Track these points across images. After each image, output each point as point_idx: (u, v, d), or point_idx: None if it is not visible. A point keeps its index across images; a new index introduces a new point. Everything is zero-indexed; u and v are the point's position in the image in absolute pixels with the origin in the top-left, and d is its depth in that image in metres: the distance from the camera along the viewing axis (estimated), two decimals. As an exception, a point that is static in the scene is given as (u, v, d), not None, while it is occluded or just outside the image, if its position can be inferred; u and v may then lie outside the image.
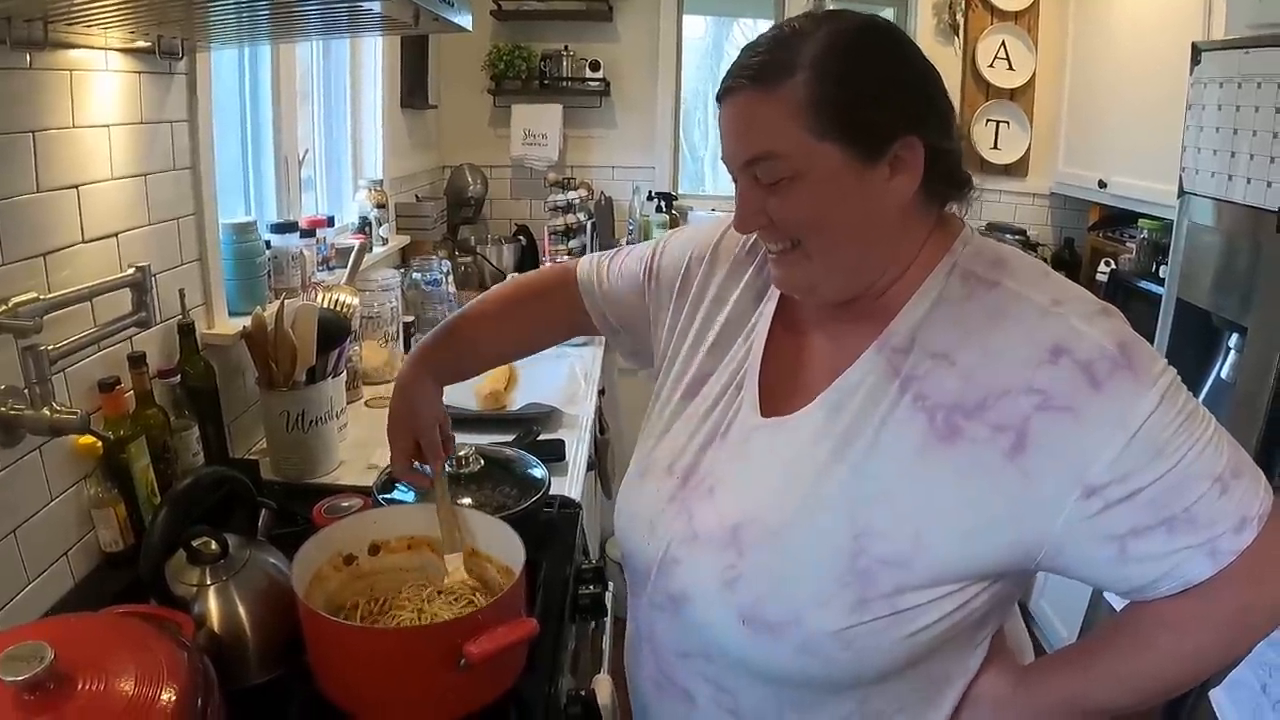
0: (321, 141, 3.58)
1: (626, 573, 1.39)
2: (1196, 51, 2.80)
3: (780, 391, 1.25)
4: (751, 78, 1.09)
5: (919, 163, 1.09)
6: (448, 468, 1.75)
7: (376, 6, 1.54)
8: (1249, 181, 2.51)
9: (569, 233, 4.69)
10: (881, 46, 1.11)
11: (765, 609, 1.12)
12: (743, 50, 1.13)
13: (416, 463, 1.61)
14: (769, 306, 1.33)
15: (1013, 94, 4.95)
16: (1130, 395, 1.00)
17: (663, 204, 5.01)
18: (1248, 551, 1.01)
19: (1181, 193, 2.90)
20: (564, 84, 4.90)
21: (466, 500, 1.76)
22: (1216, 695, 2.34)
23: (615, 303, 1.60)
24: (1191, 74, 2.82)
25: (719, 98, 1.14)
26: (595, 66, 4.89)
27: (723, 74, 1.14)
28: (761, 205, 1.13)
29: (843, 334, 1.20)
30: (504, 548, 1.52)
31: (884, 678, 1.14)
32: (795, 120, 1.06)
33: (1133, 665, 1.12)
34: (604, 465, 3.48)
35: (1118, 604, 1.19)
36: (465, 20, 1.83)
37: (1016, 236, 4.80)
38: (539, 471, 1.92)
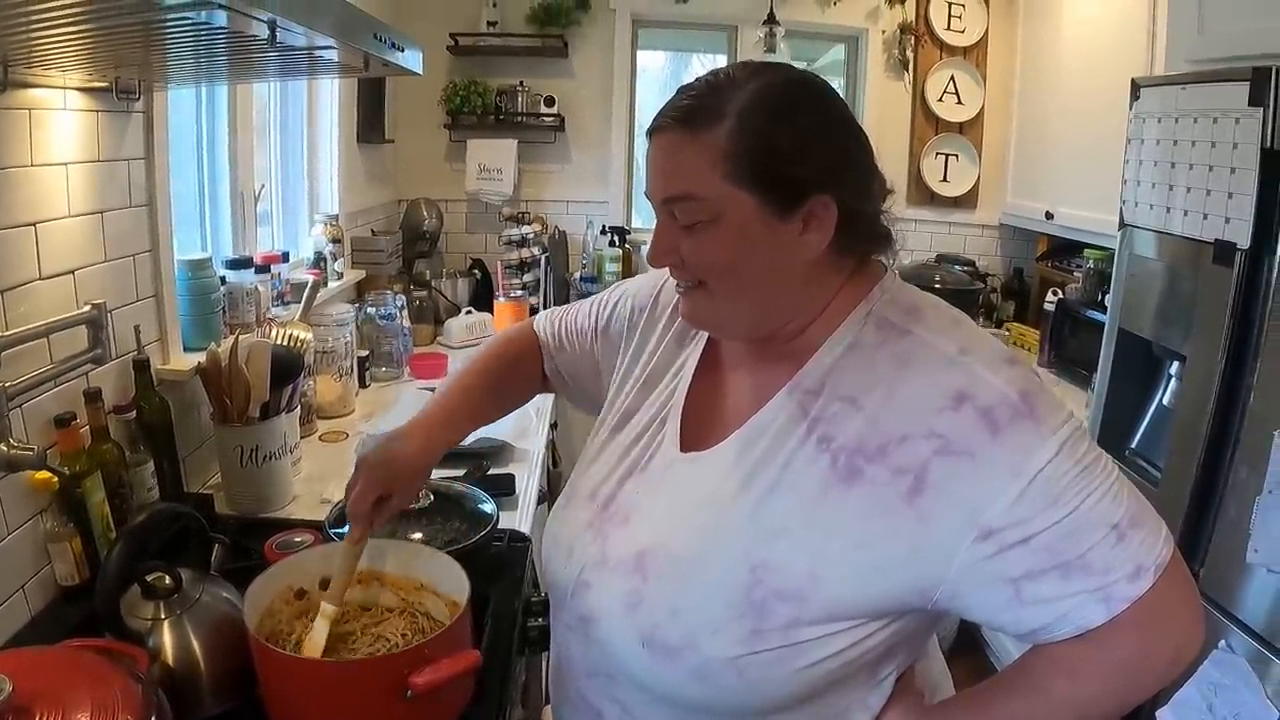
0: (278, 176, 3.58)
1: (549, 595, 1.42)
2: (1136, 87, 2.85)
3: (701, 428, 1.28)
4: (679, 120, 1.12)
5: (831, 221, 1.12)
6: None
7: (328, 55, 1.57)
8: (1186, 214, 2.56)
9: (523, 267, 4.74)
10: (806, 105, 1.13)
11: (663, 632, 1.14)
12: (677, 91, 1.16)
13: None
14: (696, 348, 1.37)
15: (962, 127, 5.05)
16: (1029, 442, 1.03)
17: (616, 238, 5.05)
18: (1143, 600, 1.03)
19: (1122, 225, 2.95)
20: (519, 119, 4.93)
21: (416, 535, 1.79)
22: (1164, 715, 2.37)
23: (566, 357, 1.65)
24: (1131, 109, 2.88)
25: (649, 134, 1.17)
26: (550, 102, 4.92)
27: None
28: (675, 244, 1.16)
29: (761, 374, 1.24)
30: (449, 581, 1.53)
31: (781, 709, 1.16)
32: (715, 167, 1.09)
33: (1028, 709, 1.14)
34: (556, 498, 3.47)
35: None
36: (415, 63, 1.86)
37: (965, 267, 4.87)
38: (488, 506, 1.95)
